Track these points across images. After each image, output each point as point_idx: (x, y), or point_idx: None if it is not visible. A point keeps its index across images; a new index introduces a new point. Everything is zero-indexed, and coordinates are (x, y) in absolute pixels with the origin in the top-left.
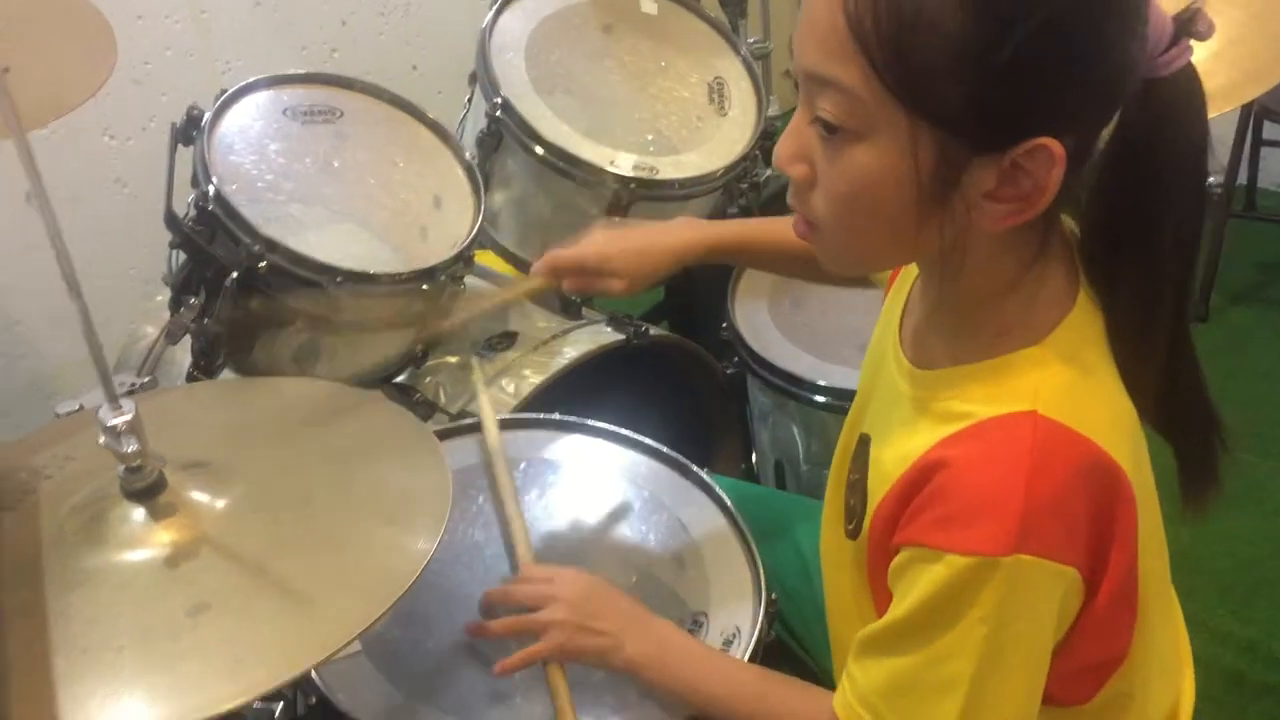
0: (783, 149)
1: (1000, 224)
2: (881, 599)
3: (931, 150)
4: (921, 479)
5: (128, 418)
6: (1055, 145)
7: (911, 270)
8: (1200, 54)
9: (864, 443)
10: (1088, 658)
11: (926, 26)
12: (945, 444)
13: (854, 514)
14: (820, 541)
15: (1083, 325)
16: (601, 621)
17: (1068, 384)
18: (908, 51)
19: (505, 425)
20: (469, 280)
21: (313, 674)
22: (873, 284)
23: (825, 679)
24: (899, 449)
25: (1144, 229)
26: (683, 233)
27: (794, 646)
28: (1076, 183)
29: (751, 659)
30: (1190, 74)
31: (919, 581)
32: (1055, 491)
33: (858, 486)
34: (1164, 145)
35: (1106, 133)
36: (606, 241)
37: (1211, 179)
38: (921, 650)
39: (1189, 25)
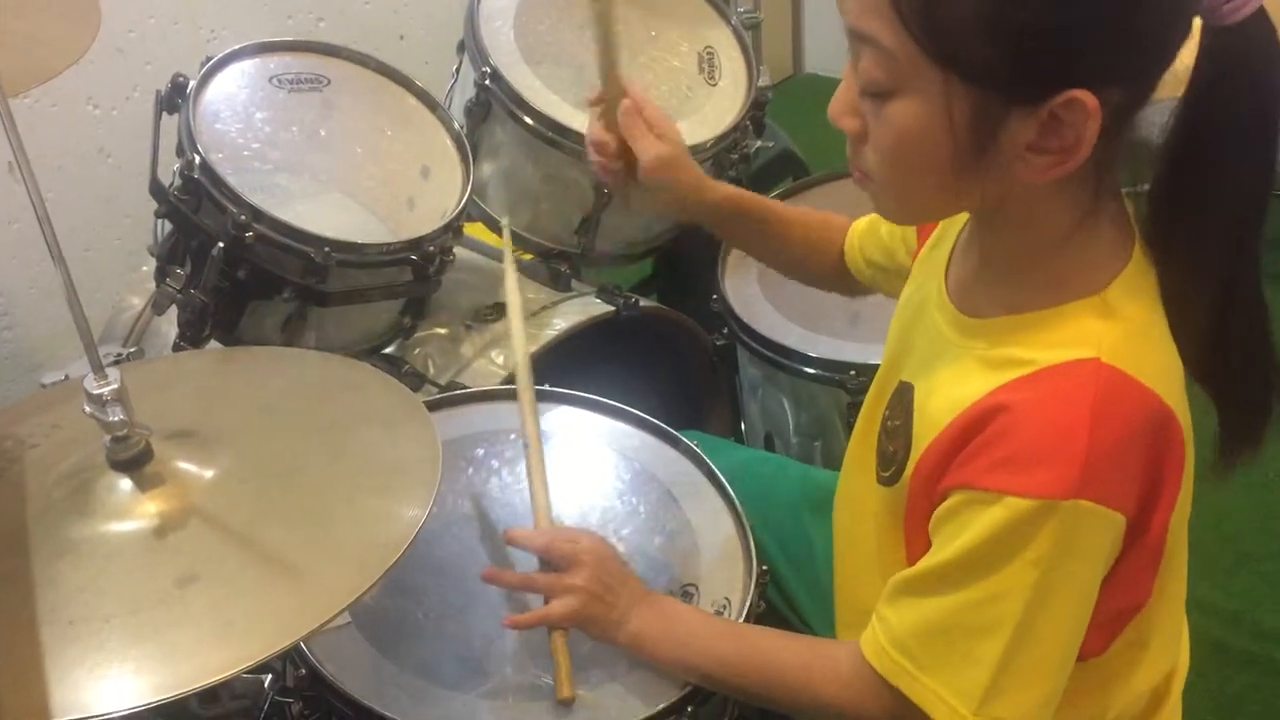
0: (835, 104)
1: (1043, 175)
2: (916, 545)
3: (966, 105)
4: (979, 423)
5: (113, 386)
6: (1089, 98)
7: (950, 225)
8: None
9: (904, 390)
10: (1112, 605)
11: None
12: (1006, 389)
13: (892, 460)
14: (837, 495)
15: (1139, 277)
16: (612, 594)
17: (1128, 333)
18: (936, 8)
19: (495, 396)
20: (458, 252)
21: (302, 645)
22: (857, 292)
23: None
24: (949, 395)
25: (1206, 184)
26: (712, 181)
27: (787, 614)
28: (1131, 133)
29: None
30: (1260, 22)
31: (973, 524)
32: (1116, 438)
33: (899, 433)
34: (1231, 99)
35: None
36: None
37: None
38: (966, 591)
39: None
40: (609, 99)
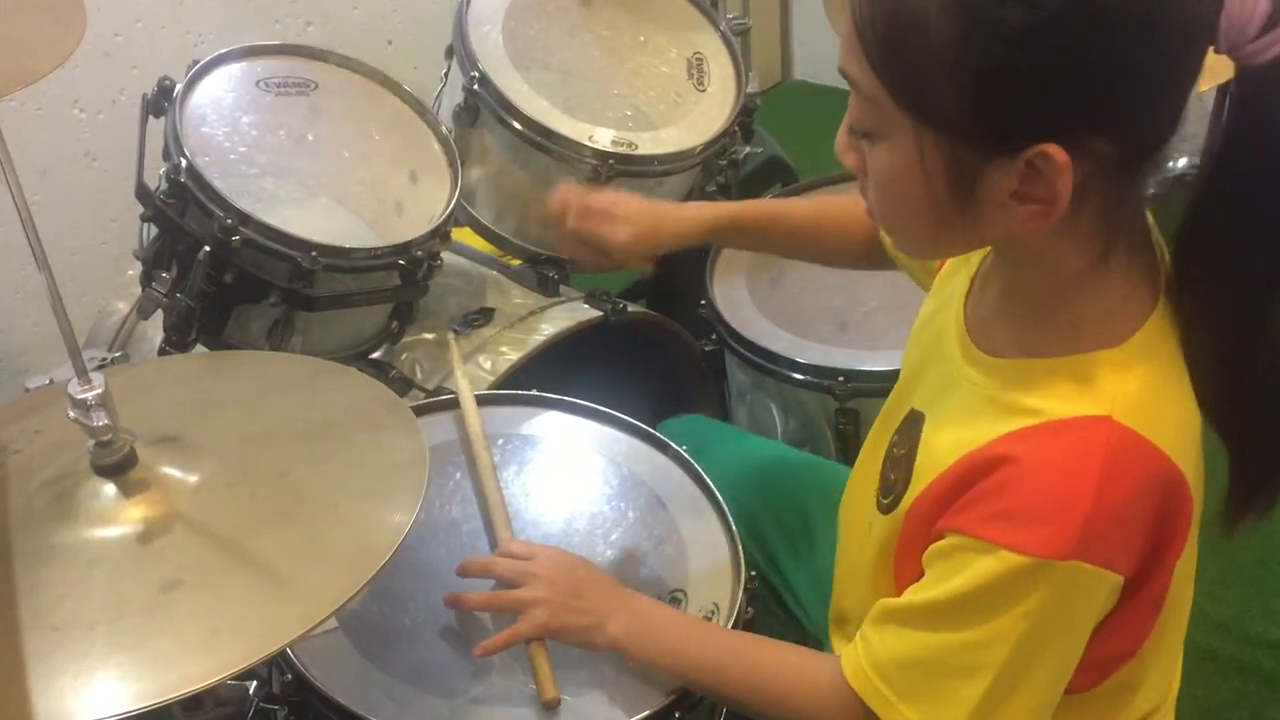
0: (839, 139)
1: (1029, 225)
2: (905, 574)
3: (939, 154)
4: (982, 470)
5: (97, 391)
6: (1059, 153)
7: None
8: None
9: (915, 419)
10: (1102, 653)
11: (919, 34)
12: (1013, 438)
13: (892, 488)
14: (842, 503)
15: (1161, 330)
16: (582, 600)
17: (1145, 391)
18: (904, 58)
19: (483, 401)
20: (446, 257)
21: (288, 651)
22: (887, 266)
23: (812, 641)
24: (957, 435)
25: (1235, 234)
26: (691, 208)
27: (789, 601)
28: (1144, 181)
29: None
30: None
31: (965, 569)
32: (1122, 500)
33: (902, 462)
34: (1264, 145)
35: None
36: (619, 192)
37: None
38: (954, 632)
39: None
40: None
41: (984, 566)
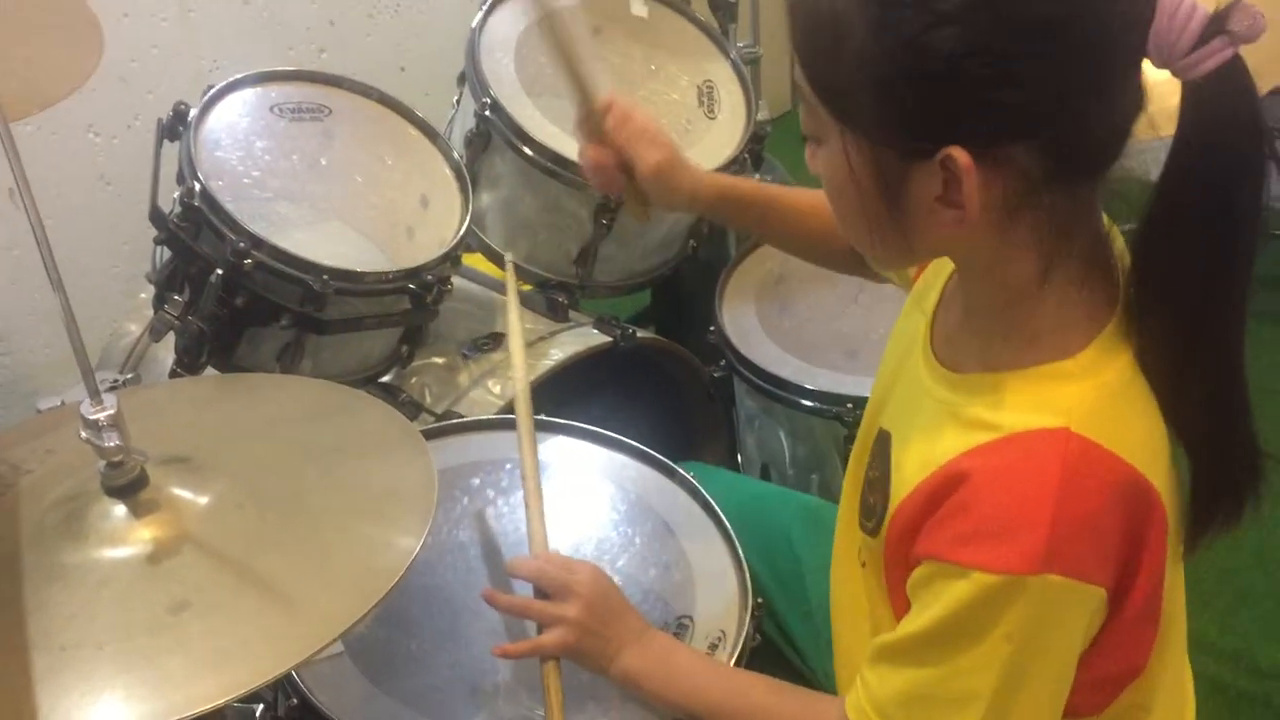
0: (807, 148)
1: (949, 229)
2: (898, 599)
3: (862, 157)
4: (944, 489)
5: (109, 412)
6: (961, 155)
7: (940, 270)
8: None
9: (884, 439)
10: (1106, 670)
11: (835, 36)
12: (971, 455)
13: (873, 512)
14: (835, 537)
15: (1120, 340)
16: (608, 629)
17: (1103, 400)
18: (824, 61)
19: (492, 425)
20: (456, 281)
21: (294, 674)
22: (868, 273)
23: (814, 680)
24: (922, 453)
25: (1188, 248)
26: (710, 174)
27: (781, 645)
28: (1087, 192)
29: (737, 663)
30: (1231, 76)
31: (942, 596)
32: (1085, 511)
33: (878, 485)
34: (1209, 158)
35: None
36: (658, 122)
37: None
38: (942, 663)
39: (1222, 22)
40: (591, 116)
41: (958, 591)
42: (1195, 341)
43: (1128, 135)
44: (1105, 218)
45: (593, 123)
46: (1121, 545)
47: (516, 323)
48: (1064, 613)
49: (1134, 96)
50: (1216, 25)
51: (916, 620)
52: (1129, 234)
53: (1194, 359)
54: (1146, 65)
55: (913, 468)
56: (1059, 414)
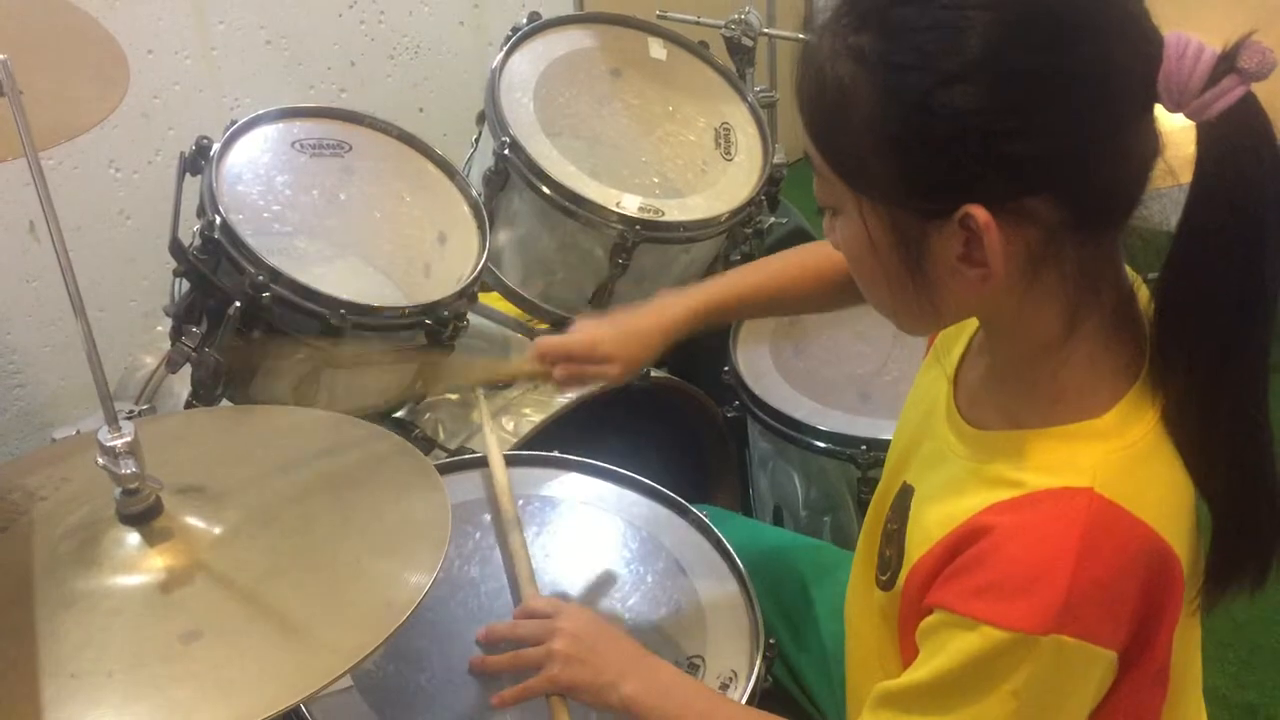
0: (824, 222)
1: (975, 289)
2: (909, 653)
3: (880, 222)
4: (964, 542)
5: (127, 439)
6: (980, 212)
7: (964, 325)
8: None
9: (906, 493)
10: None
11: (842, 104)
12: (994, 510)
13: (889, 565)
14: (848, 586)
15: (1147, 397)
16: (599, 657)
17: (1128, 461)
18: (834, 129)
19: (505, 461)
20: (471, 318)
21: (302, 707)
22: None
23: None
24: (944, 509)
25: (1207, 298)
26: (668, 308)
27: (793, 689)
28: (1109, 246)
29: (748, 704)
30: (1245, 114)
31: (949, 646)
32: (1103, 574)
33: (895, 538)
34: (1227, 200)
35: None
36: (593, 327)
37: None
38: (945, 714)
39: (1231, 61)
40: (532, 374)
41: (967, 643)
42: (1218, 397)
43: (1146, 181)
44: (1130, 271)
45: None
46: (1136, 609)
47: (494, 444)
48: (1073, 673)
49: (1149, 141)
50: (1226, 64)
51: (922, 669)
52: (1153, 284)
53: (1217, 415)
54: (1162, 112)
55: (933, 524)
56: (1083, 474)
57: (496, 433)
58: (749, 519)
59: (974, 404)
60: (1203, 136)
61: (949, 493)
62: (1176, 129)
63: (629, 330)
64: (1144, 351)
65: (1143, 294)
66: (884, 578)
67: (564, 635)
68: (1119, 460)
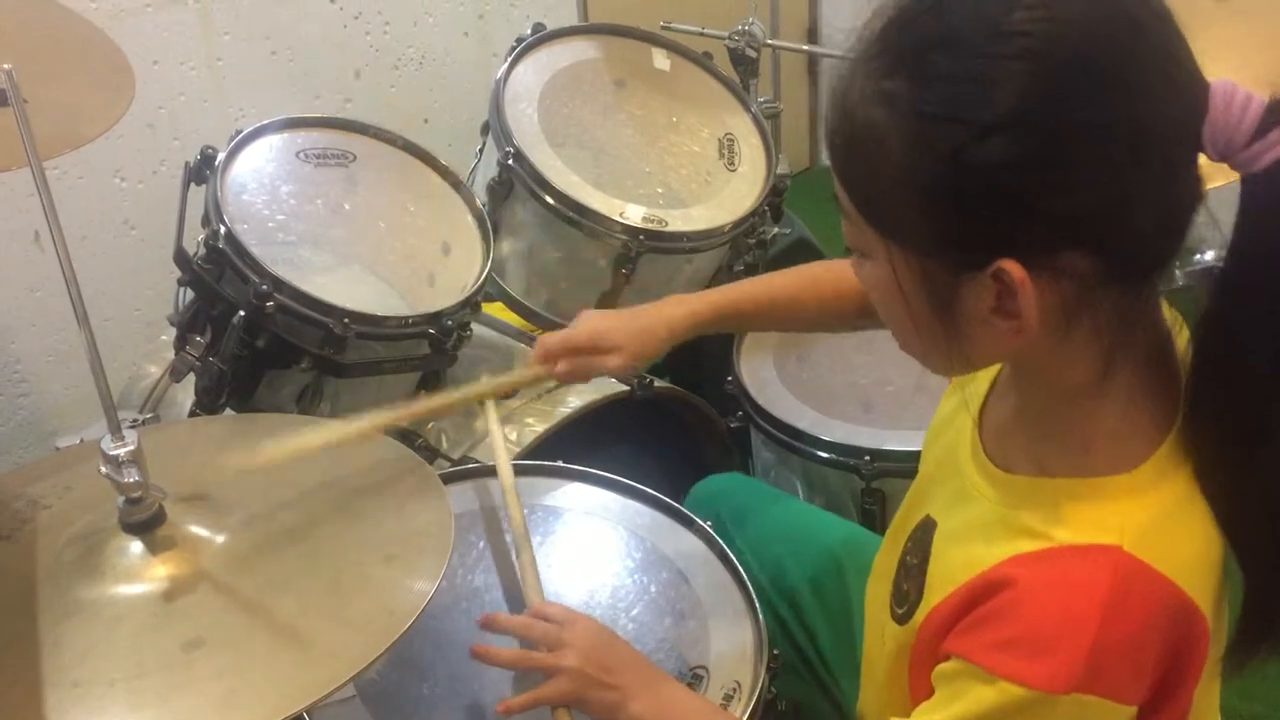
0: (851, 262)
1: (1009, 342)
2: (920, 689)
3: (910, 271)
4: (985, 592)
5: (130, 448)
6: (1015, 268)
7: None
8: None
9: (928, 526)
10: None
11: (874, 153)
12: (1019, 561)
13: (905, 599)
14: (865, 599)
15: (1178, 452)
16: (611, 675)
17: (1159, 519)
18: (865, 177)
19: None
20: (475, 328)
21: (305, 716)
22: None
23: (840, 702)
24: (967, 552)
25: (1245, 357)
26: (676, 306)
27: (815, 661)
28: (1147, 296)
29: (752, 717)
30: None
31: (964, 696)
32: (1128, 633)
33: (914, 574)
34: (1270, 260)
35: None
36: (598, 318)
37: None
38: None
39: None
40: (536, 379)
41: (983, 695)
42: (1253, 456)
43: (1187, 229)
44: (1171, 312)
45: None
46: (1159, 664)
47: (502, 449)
48: None
49: (1191, 189)
50: (1276, 115)
51: (937, 713)
52: (1193, 328)
53: (1251, 474)
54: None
55: (956, 566)
56: (1112, 531)
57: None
58: (782, 492)
59: (1000, 442)
60: (1248, 189)
61: (973, 536)
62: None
63: (635, 323)
64: (1179, 402)
65: (1183, 337)
66: (900, 611)
67: (577, 651)
68: (1149, 517)
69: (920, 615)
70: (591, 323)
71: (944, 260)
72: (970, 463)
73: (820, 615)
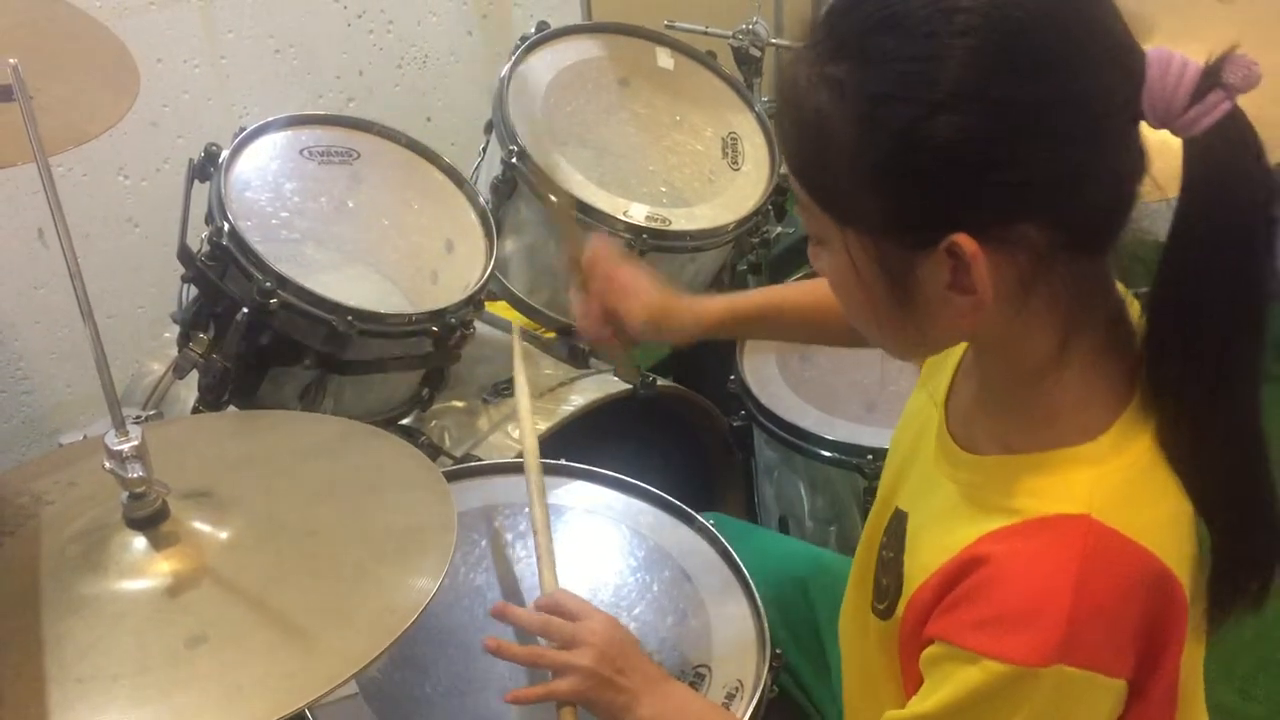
0: (809, 250)
1: (966, 316)
2: (912, 681)
3: (865, 253)
4: (960, 573)
5: (134, 443)
6: (965, 241)
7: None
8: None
9: (900, 519)
10: None
11: (822, 137)
12: (990, 539)
13: (886, 594)
14: (841, 607)
15: (1142, 417)
16: (623, 676)
17: (1124, 485)
18: (815, 162)
19: (511, 470)
20: (478, 326)
21: (307, 713)
22: None
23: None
24: (941, 538)
25: (1197, 315)
26: (708, 302)
27: (797, 695)
28: (1100, 266)
29: (754, 715)
30: (1232, 129)
31: (951, 679)
32: (1104, 601)
33: (892, 566)
34: (1215, 215)
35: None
36: (643, 275)
37: None
38: None
39: (1216, 76)
40: (583, 280)
41: (968, 677)
42: (1211, 414)
43: (1134, 198)
44: (1121, 287)
45: (579, 279)
46: (1139, 634)
47: (523, 385)
48: (1079, 703)
49: (1135, 159)
50: (1211, 79)
51: (927, 700)
52: (1143, 299)
53: (1211, 433)
54: (1147, 128)
55: (931, 553)
56: (1079, 500)
57: (500, 443)
58: (755, 526)
59: (966, 426)
60: (1189, 153)
61: (944, 520)
62: (1160, 140)
63: (666, 296)
64: (1137, 371)
65: (1134, 309)
66: (881, 606)
67: (593, 652)
68: (1115, 484)
69: (902, 606)
70: (635, 271)
71: (898, 240)
72: (937, 449)
73: (796, 650)
